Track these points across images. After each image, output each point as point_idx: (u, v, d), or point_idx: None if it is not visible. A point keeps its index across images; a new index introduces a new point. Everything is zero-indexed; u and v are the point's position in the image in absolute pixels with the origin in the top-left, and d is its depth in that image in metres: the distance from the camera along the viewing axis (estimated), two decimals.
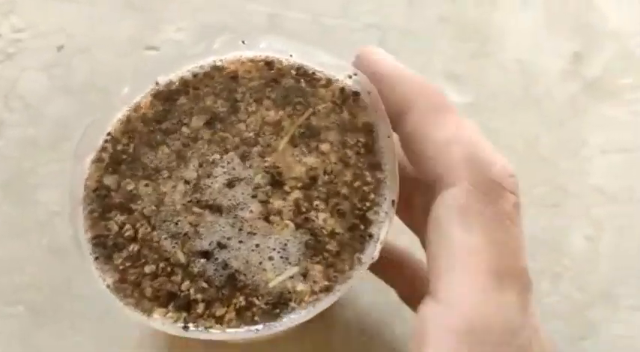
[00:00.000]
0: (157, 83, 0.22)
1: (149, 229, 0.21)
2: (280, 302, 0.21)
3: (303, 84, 0.22)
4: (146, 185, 0.21)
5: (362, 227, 0.21)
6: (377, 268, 0.24)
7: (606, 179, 0.35)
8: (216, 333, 0.20)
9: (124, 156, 0.22)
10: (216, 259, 0.21)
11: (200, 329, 0.20)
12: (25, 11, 0.35)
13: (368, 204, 0.22)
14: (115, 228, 0.21)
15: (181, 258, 0.21)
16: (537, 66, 0.36)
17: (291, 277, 0.21)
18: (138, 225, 0.21)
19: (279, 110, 0.22)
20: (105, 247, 0.21)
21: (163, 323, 0.20)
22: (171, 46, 0.35)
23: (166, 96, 0.22)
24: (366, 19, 0.36)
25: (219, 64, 0.22)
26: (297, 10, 0.36)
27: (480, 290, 0.19)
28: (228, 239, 0.21)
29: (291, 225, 0.21)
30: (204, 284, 0.21)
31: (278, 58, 0.22)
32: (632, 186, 0.35)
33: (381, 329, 0.32)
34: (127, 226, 0.21)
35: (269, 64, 0.22)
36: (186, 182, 0.21)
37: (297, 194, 0.22)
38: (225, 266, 0.21)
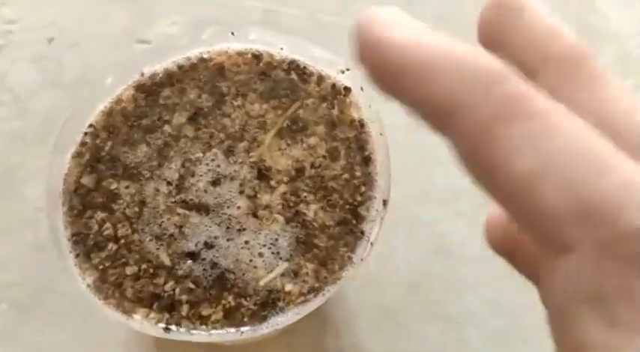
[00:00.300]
0: (142, 74, 0.21)
1: (130, 230, 0.21)
2: (268, 303, 0.20)
3: (293, 77, 0.21)
4: (127, 186, 0.21)
5: (353, 222, 0.21)
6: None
7: None
8: (200, 335, 0.19)
9: (103, 154, 0.21)
10: (204, 259, 0.20)
11: (182, 330, 0.19)
12: (17, 3, 0.34)
13: (359, 198, 0.21)
14: (95, 226, 0.21)
15: (165, 259, 0.20)
16: None
17: (283, 274, 0.20)
18: (119, 225, 0.21)
19: (266, 104, 0.21)
20: (85, 245, 0.20)
21: (143, 324, 0.20)
22: (164, 40, 0.34)
23: (149, 89, 0.21)
24: None
25: (205, 56, 0.22)
26: (294, 6, 0.35)
27: None
28: (216, 238, 0.21)
29: (281, 218, 0.21)
30: (191, 285, 0.20)
31: (268, 50, 0.22)
32: None
33: (371, 331, 0.31)
34: (107, 225, 0.21)
35: (257, 56, 0.22)
36: (169, 183, 0.21)
37: (284, 187, 0.21)
38: (214, 265, 0.20)
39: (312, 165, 0.21)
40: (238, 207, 0.21)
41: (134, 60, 0.20)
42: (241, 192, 0.21)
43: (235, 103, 0.21)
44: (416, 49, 0.13)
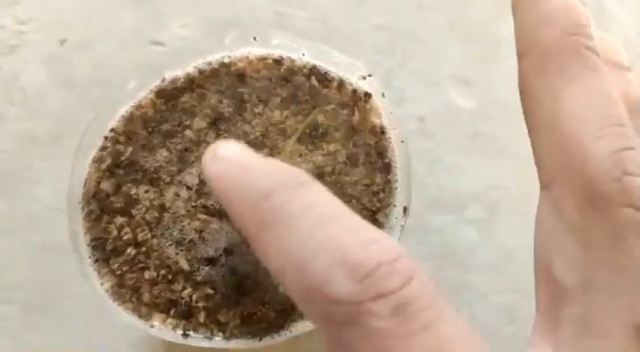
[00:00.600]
0: (163, 79, 0.21)
1: (149, 235, 0.20)
2: (287, 310, 0.20)
3: (314, 83, 0.21)
4: (146, 191, 0.21)
5: None
6: None
7: None
8: (218, 341, 0.19)
9: (123, 159, 0.21)
10: (223, 265, 0.20)
11: (200, 336, 0.19)
12: (30, 3, 0.34)
13: (378, 205, 0.21)
14: (115, 231, 0.20)
15: (184, 265, 0.20)
16: None
17: None
18: (138, 230, 0.20)
19: (286, 110, 0.21)
20: (104, 250, 0.20)
21: (161, 329, 0.20)
22: (178, 42, 0.34)
23: (170, 94, 0.21)
24: (374, 20, 0.36)
25: (227, 60, 0.22)
26: (305, 8, 0.35)
27: None
28: (236, 244, 0.20)
29: None
30: (210, 291, 0.20)
31: (289, 56, 0.22)
32: None
33: None
34: (126, 229, 0.20)
35: (278, 62, 0.22)
36: (189, 188, 0.21)
37: None
38: (233, 271, 0.20)
39: (333, 172, 0.21)
40: None
41: (155, 65, 0.20)
42: None
43: (256, 110, 0.21)
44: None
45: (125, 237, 0.20)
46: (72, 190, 0.20)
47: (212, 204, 0.21)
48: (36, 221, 0.31)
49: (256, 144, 0.21)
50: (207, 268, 0.20)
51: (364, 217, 0.20)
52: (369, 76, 0.21)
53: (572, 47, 0.17)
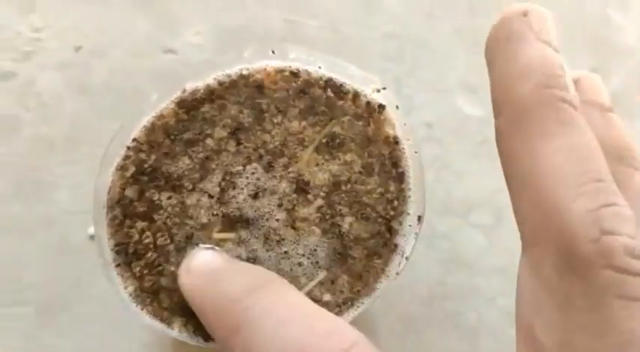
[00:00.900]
0: (184, 90, 0.22)
1: (169, 240, 0.21)
2: None
3: (330, 95, 0.22)
4: (169, 197, 0.21)
5: (387, 235, 0.21)
6: None
7: None
8: None
9: (146, 167, 0.21)
10: None
11: None
12: (45, 11, 0.35)
13: (392, 212, 0.22)
14: (136, 235, 0.21)
15: None
16: None
17: (322, 282, 0.21)
18: (158, 234, 0.21)
19: (304, 121, 0.22)
20: (126, 254, 0.21)
21: (182, 332, 0.20)
22: (190, 50, 0.35)
23: (190, 105, 0.22)
24: (384, 28, 0.36)
25: (245, 72, 0.22)
26: (316, 17, 0.36)
27: None
28: (255, 250, 0.21)
29: (318, 230, 0.21)
30: None
31: (306, 68, 0.22)
32: None
33: (389, 340, 0.32)
34: (147, 233, 0.21)
35: (296, 74, 0.22)
36: (210, 196, 0.21)
37: (320, 201, 0.21)
38: None
39: (349, 180, 0.22)
40: (277, 220, 0.21)
41: (169, 72, 0.21)
42: (280, 205, 0.21)
43: (275, 120, 0.22)
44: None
45: (146, 241, 0.21)
46: (97, 198, 0.21)
47: (232, 212, 0.21)
48: (52, 224, 0.32)
49: (275, 153, 0.22)
50: None
51: (379, 224, 0.21)
52: (384, 88, 0.22)
53: (546, 101, 0.17)
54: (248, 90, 0.22)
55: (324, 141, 0.22)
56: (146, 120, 0.21)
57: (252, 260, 0.21)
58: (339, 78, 0.22)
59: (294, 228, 0.21)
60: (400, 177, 0.22)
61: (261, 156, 0.22)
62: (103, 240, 0.21)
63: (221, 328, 0.18)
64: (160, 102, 0.21)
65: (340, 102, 0.22)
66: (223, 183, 0.21)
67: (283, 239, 0.21)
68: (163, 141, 0.21)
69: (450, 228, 0.34)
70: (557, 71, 0.18)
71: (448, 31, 0.37)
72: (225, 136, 0.22)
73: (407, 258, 0.21)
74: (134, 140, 0.21)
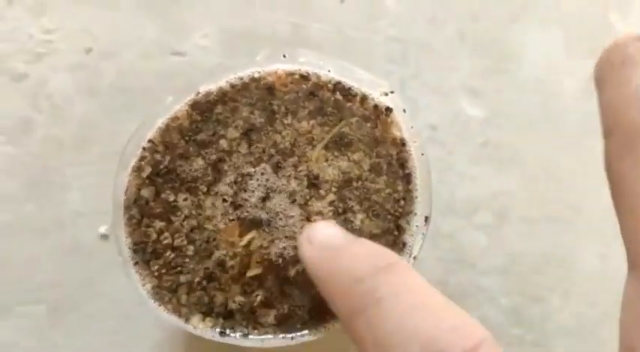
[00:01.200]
0: (197, 92, 0.23)
1: (186, 241, 0.22)
2: (319, 312, 0.21)
3: (339, 97, 0.23)
4: (185, 199, 0.22)
5: (396, 232, 0.22)
6: None
7: None
8: (254, 340, 0.21)
9: (162, 168, 0.22)
10: (259, 273, 0.22)
11: (237, 335, 0.21)
12: (56, 13, 0.35)
13: (400, 210, 0.22)
14: (154, 235, 0.22)
15: (220, 272, 0.22)
16: (554, 85, 0.37)
17: None
18: (176, 235, 0.22)
19: (313, 121, 0.22)
20: (144, 253, 0.22)
21: (199, 327, 0.21)
22: (198, 53, 0.35)
23: (204, 107, 0.23)
24: (388, 32, 0.37)
25: (257, 75, 0.23)
26: (321, 20, 0.37)
27: None
28: (268, 254, 0.22)
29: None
30: (246, 295, 0.21)
31: (315, 72, 0.23)
32: None
33: None
34: (166, 234, 0.22)
35: (306, 77, 0.23)
36: (225, 200, 0.22)
37: (332, 196, 0.22)
38: (269, 277, 0.22)
39: (359, 178, 0.22)
40: (292, 216, 0.22)
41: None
42: (293, 202, 0.22)
43: (285, 121, 0.22)
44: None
45: (165, 242, 0.22)
46: (115, 198, 0.21)
47: (246, 215, 0.22)
48: (63, 224, 0.33)
49: (286, 153, 0.22)
50: (245, 275, 0.22)
51: (388, 222, 0.22)
52: (391, 92, 0.23)
53: None
54: (259, 92, 0.23)
55: (333, 140, 0.22)
56: (161, 121, 0.22)
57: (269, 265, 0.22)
58: (347, 81, 0.23)
59: (309, 221, 0.22)
60: (407, 178, 0.22)
61: (271, 156, 0.22)
62: (121, 239, 0.21)
63: (345, 307, 0.18)
64: (175, 105, 0.22)
65: (348, 105, 0.23)
66: (235, 186, 0.22)
67: (298, 234, 0.22)
68: (178, 143, 0.22)
69: (453, 228, 0.35)
70: None
71: (451, 34, 0.37)
72: (238, 137, 0.22)
73: (414, 258, 0.22)
74: (149, 141, 0.22)
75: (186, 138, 0.22)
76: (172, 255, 0.21)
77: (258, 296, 0.21)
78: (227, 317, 0.21)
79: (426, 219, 0.22)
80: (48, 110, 0.34)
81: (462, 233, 0.35)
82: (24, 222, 0.33)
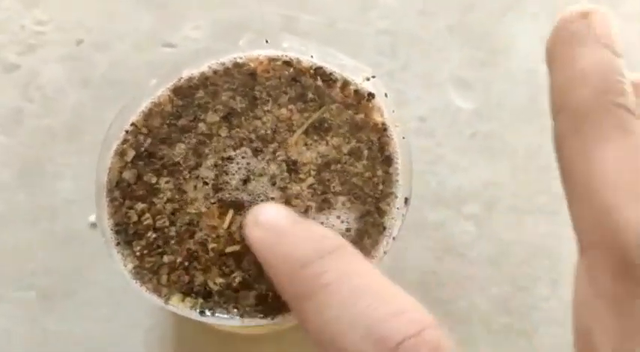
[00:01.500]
0: (180, 78, 0.23)
1: (168, 223, 0.22)
2: None
3: (320, 83, 0.23)
4: (167, 181, 0.22)
5: (376, 215, 0.22)
6: None
7: None
8: (232, 320, 0.21)
9: (143, 150, 0.22)
10: (239, 252, 0.22)
11: (217, 315, 0.21)
12: (48, 5, 0.36)
13: (380, 193, 0.22)
14: (135, 216, 0.22)
15: (201, 251, 0.22)
16: (543, 76, 0.37)
17: None
18: (158, 217, 0.22)
19: (293, 107, 0.23)
20: (126, 234, 0.22)
21: (179, 307, 0.21)
22: (189, 44, 0.36)
23: (185, 92, 0.23)
24: (379, 24, 0.37)
25: (239, 61, 0.23)
26: (312, 13, 0.37)
27: None
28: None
29: (313, 205, 0.22)
30: (227, 275, 0.22)
31: (298, 57, 0.23)
32: None
33: None
34: (147, 215, 0.22)
35: (288, 63, 0.23)
36: (206, 183, 0.22)
37: (311, 179, 0.22)
38: (249, 257, 0.22)
39: (337, 161, 0.22)
40: (272, 198, 0.22)
41: (175, 64, 0.22)
42: (273, 184, 0.22)
43: (266, 108, 0.23)
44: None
45: (145, 222, 0.22)
46: (98, 179, 0.22)
47: (227, 197, 0.22)
48: (55, 212, 0.33)
49: (266, 139, 0.23)
50: (225, 255, 0.22)
51: (369, 205, 0.22)
52: (373, 77, 0.23)
53: (604, 107, 0.17)
54: (241, 77, 0.23)
55: (312, 125, 0.23)
56: (144, 105, 0.22)
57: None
58: (329, 67, 0.23)
59: (289, 204, 0.22)
60: (387, 161, 0.23)
61: (251, 141, 0.22)
62: (104, 220, 0.22)
63: (291, 292, 0.18)
64: (158, 89, 0.22)
65: (329, 90, 0.23)
66: (216, 169, 0.22)
67: None
68: (160, 127, 0.22)
69: (442, 218, 0.35)
70: (616, 76, 0.18)
71: (441, 26, 0.38)
72: (218, 121, 0.23)
73: (394, 238, 0.22)
74: (132, 125, 0.22)
75: (168, 122, 0.23)
76: (154, 236, 0.22)
77: (237, 278, 0.22)
78: (206, 297, 0.21)
79: (406, 200, 0.22)
80: (40, 100, 0.34)
81: (451, 223, 0.35)
82: (16, 210, 0.33)
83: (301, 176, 0.22)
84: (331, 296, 0.17)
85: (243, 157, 0.22)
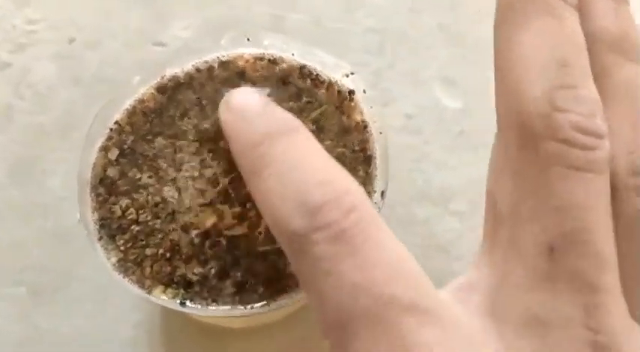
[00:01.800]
0: (163, 76, 0.23)
1: (150, 217, 0.22)
2: (273, 282, 0.22)
3: (307, 83, 0.23)
4: (150, 176, 0.23)
5: None
6: None
7: None
8: (214, 310, 0.22)
9: (126, 147, 0.23)
10: (218, 242, 0.22)
11: (198, 306, 0.22)
12: (40, 4, 0.36)
13: None
14: (119, 211, 0.22)
15: (182, 243, 0.22)
16: None
17: None
18: (141, 211, 0.22)
19: (286, 107, 0.23)
20: (110, 228, 0.22)
21: (161, 298, 0.22)
22: (179, 43, 0.36)
23: (169, 90, 0.23)
24: (366, 23, 0.38)
25: (224, 59, 0.23)
26: (301, 12, 0.37)
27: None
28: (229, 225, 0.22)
29: None
30: (203, 266, 0.22)
31: (282, 56, 0.23)
32: None
33: None
34: (131, 210, 0.22)
35: (273, 61, 0.23)
36: (189, 177, 0.23)
37: None
38: (228, 247, 0.22)
39: None
40: None
41: (158, 63, 0.22)
42: None
43: None
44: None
45: (129, 217, 0.22)
46: (81, 175, 0.22)
47: (213, 191, 0.23)
48: (46, 208, 0.33)
49: None
50: (204, 247, 0.22)
51: None
52: (352, 73, 0.23)
53: None
54: (226, 75, 0.23)
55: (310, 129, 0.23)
56: (128, 103, 0.23)
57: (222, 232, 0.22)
58: (312, 65, 0.23)
59: None
60: (367, 161, 0.23)
61: None
62: (88, 215, 0.22)
63: (243, 168, 0.19)
64: (141, 87, 0.23)
65: (315, 90, 0.23)
66: (200, 165, 0.23)
67: None
68: (144, 125, 0.23)
69: (429, 215, 0.35)
70: None
71: (429, 24, 0.38)
72: (201, 118, 0.23)
73: None
74: (116, 123, 0.23)
75: (151, 120, 0.23)
76: (137, 229, 0.22)
77: (213, 268, 0.22)
78: (187, 287, 0.22)
79: (382, 193, 0.23)
80: (31, 98, 0.35)
81: (437, 220, 0.35)
82: (7, 207, 0.34)
83: None
84: (272, 171, 0.18)
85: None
